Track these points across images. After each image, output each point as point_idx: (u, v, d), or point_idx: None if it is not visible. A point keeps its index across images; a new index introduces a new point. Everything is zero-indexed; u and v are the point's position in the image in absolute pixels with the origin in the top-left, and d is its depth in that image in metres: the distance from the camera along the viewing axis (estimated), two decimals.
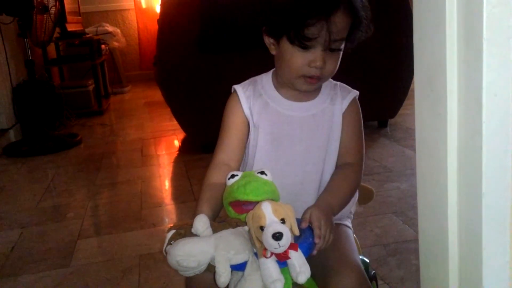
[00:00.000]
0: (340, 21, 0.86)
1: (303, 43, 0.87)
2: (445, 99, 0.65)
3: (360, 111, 1.01)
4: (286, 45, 0.90)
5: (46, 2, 3.24)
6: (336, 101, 0.98)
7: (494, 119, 0.61)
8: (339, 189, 0.92)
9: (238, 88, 1.01)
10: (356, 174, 0.96)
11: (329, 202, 0.87)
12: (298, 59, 0.89)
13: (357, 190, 1.02)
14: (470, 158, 0.64)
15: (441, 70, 0.65)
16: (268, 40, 0.95)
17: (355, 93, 1.01)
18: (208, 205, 0.89)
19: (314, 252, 0.79)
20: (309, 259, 0.76)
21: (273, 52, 0.95)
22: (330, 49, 0.88)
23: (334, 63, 0.91)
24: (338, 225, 1.00)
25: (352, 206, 1.05)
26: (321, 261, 0.85)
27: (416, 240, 0.80)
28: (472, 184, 0.64)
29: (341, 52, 0.92)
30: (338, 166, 0.97)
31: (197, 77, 2.67)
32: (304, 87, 0.93)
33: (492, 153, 0.61)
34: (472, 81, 0.62)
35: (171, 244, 0.76)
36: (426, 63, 0.69)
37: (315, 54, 0.88)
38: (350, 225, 1.03)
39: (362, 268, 0.88)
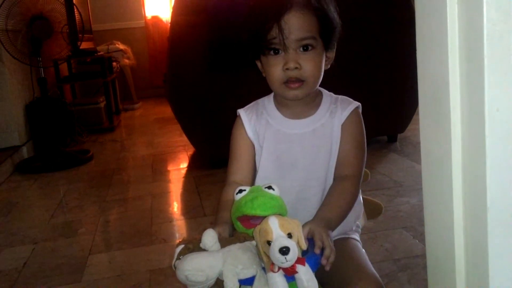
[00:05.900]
0: (295, 20, 0.90)
1: (268, 48, 0.92)
2: (448, 115, 0.67)
3: (362, 122, 1.01)
4: (264, 59, 0.96)
5: (58, 22, 3.30)
6: (336, 114, 0.98)
7: (497, 134, 0.61)
8: (336, 203, 0.92)
9: (242, 112, 1.04)
10: (353, 187, 0.95)
11: (326, 218, 0.87)
12: (275, 67, 0.93)
13: (358, 203, 1.02)
14: (475, 172, 0.65)
15: (444, 87, 0.66)
16: (259, 65, 1.00)
17: (356, 104, 1.00)
18: (228, 226, 0.89)
19: (327, 268, 0.78)
20: (317, 273, 0.77)
21: (264, 74, 0.99)
22: (303, 48, 0.91)
23: (310, 63, 0.92)
24: (347, 239, 1.00)
25: (358, 219, 1.06)
26: (338, 272, 0.85)
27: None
28: (477, 198, 0.65)
29: (319, 52, 0.94)
30: (336, 179, 0.97)
31: (207, 94, 2.70)
32: (290, 94, 0.94)
33: (496, 167, 0.62)
34: (474, 97, 0.63)
35: (180, 259, 0.78)
36: (430, 80, 0.70)
37: (286, 57, 0.92)
38: (358, 238, 1.03)
39: (380, 279, 0.88)
